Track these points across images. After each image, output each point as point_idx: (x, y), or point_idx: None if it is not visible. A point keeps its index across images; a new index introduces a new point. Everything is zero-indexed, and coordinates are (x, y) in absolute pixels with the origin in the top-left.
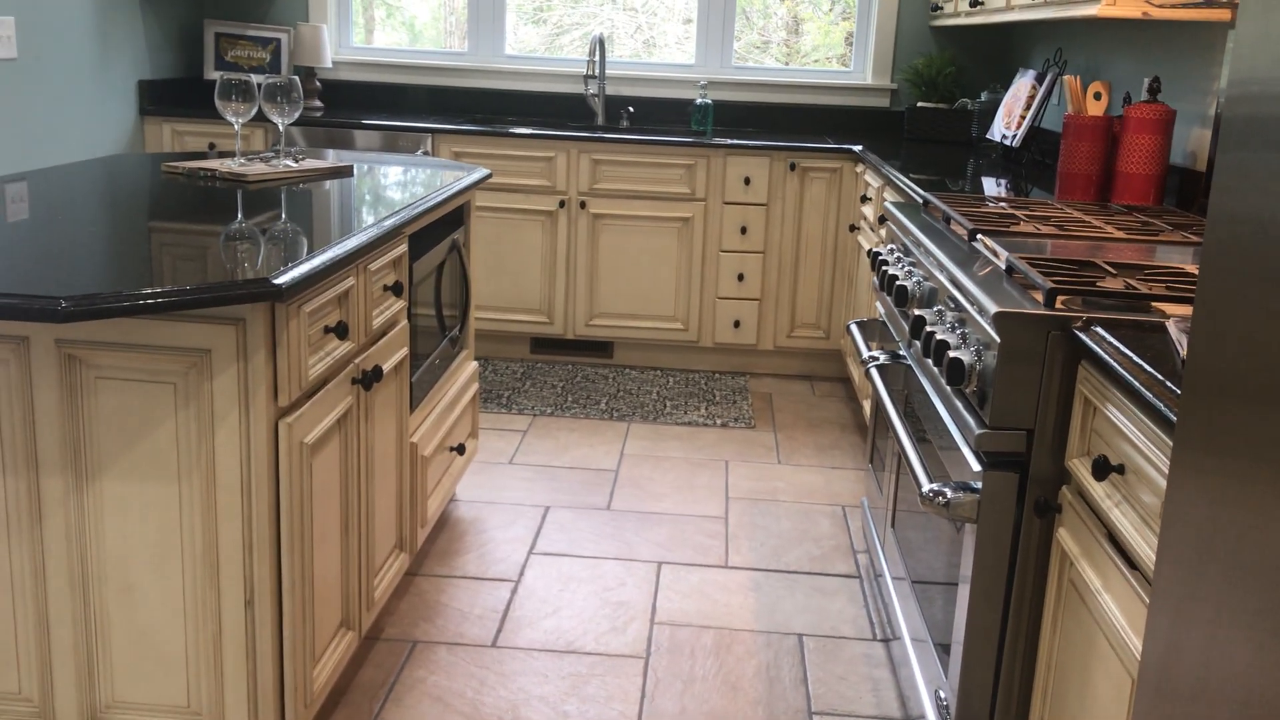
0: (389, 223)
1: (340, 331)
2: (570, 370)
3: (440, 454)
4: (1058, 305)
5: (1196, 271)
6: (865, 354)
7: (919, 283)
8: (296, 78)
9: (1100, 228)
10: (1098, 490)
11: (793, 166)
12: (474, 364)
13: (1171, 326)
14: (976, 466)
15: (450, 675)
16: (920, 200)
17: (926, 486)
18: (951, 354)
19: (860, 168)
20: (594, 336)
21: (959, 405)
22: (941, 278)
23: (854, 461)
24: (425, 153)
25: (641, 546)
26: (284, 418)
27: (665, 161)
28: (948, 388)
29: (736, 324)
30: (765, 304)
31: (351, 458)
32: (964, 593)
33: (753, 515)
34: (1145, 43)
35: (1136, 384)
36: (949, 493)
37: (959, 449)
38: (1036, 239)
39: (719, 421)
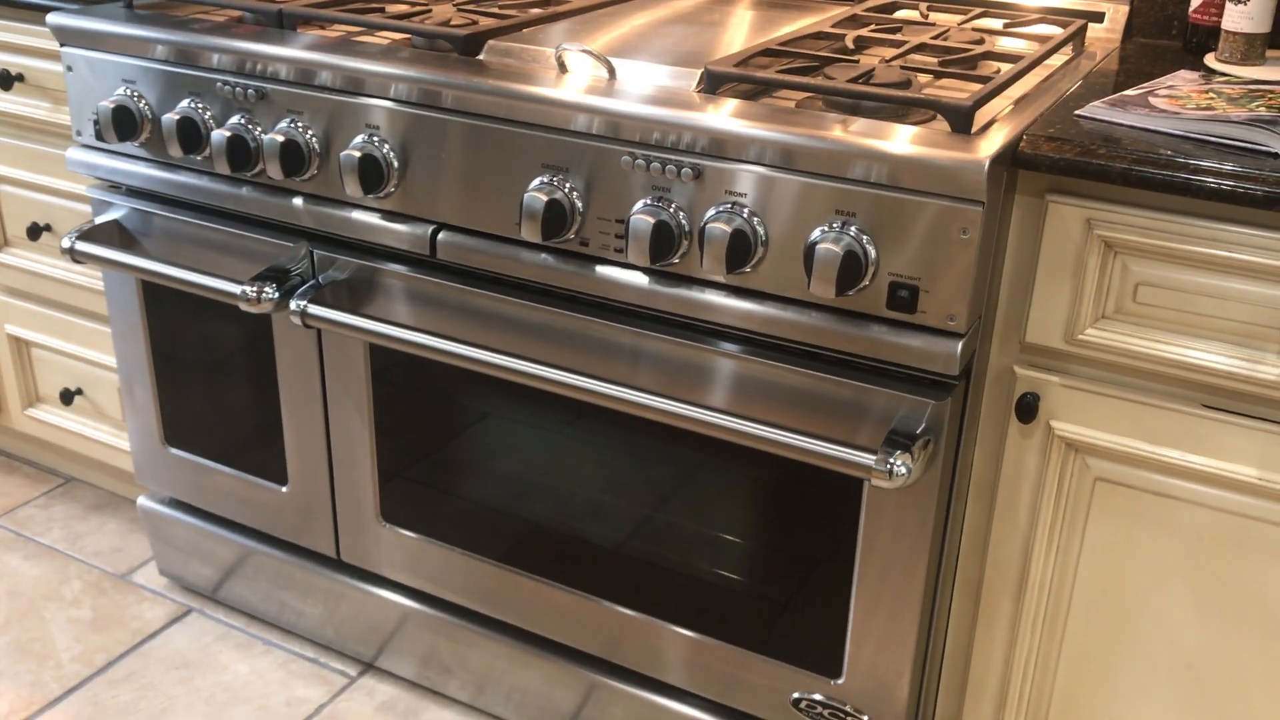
0: None
1: None
2: None
3: None
4: (983, 131)
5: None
6: (250, 291)
7: (377, 144)
8: None
9: None
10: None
11: None
12: None
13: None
14: (915, 396)
15: None
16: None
17: (878, 463)
18: (829, 246)
19: None
20: None
21: (818, 321)
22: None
23: None
24: None
25: None
26: None
27: None
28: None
29: None
30: None
31: None
32: (876, 562)
33: None
34: None
35: None
36: (903, 457)
37: (817, 381)
38: (531, 27)
39: None
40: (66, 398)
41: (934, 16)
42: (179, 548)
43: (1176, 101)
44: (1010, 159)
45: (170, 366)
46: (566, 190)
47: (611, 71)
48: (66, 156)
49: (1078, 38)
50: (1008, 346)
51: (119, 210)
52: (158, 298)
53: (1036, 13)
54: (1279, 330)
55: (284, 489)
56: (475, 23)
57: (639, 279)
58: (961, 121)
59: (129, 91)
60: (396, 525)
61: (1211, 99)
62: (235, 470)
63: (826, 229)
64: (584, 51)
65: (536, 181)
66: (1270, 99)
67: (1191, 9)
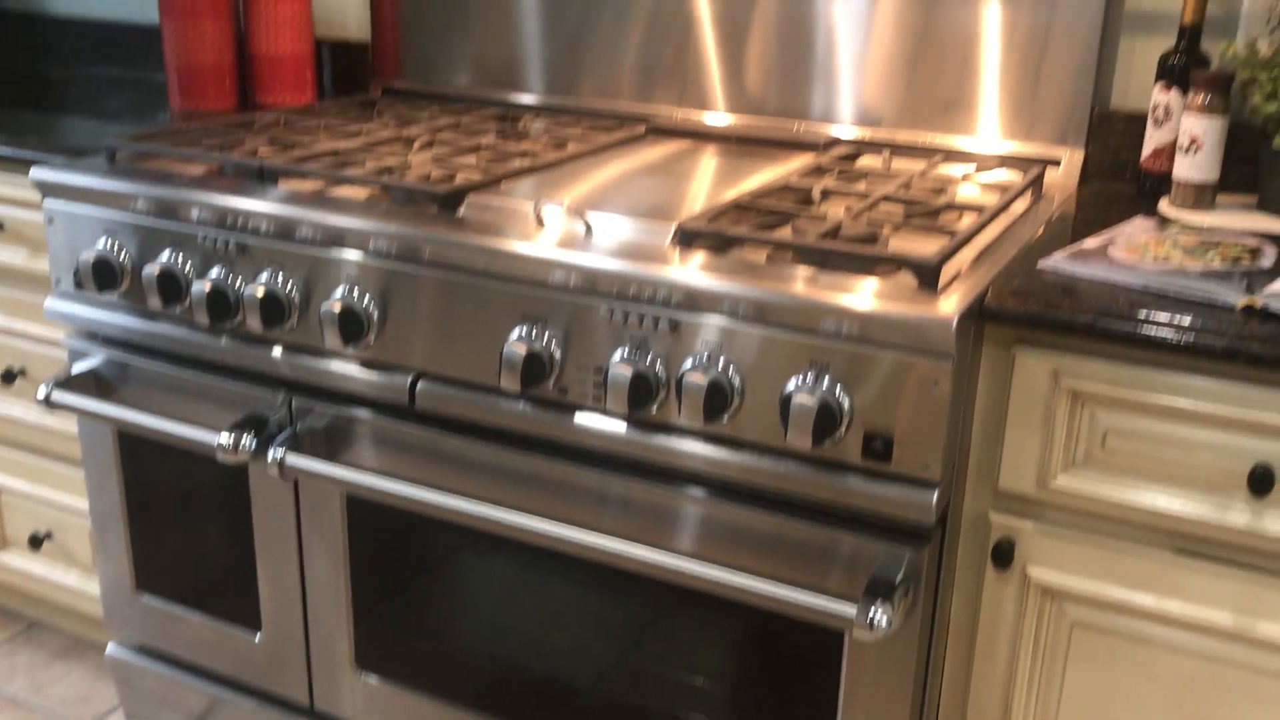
0: None
1: None
2: None
3: None
4: (950, 285)
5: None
6: (230, 440)
7: (357, 296)
8: None
9: (504, 146)
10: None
11: None
12: None
13: (1080, 266)
14: (892, 545)
15: None
16: (107, 151)
17: (859, 615)
18: (803, 398)
19: None
20: None
21: (794, 470)
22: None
23: None
24: None
25: None
26: None
27: None
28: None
29: None
30: None
31: None
32: (858, 709)
33: None
34: None
35: None
36: (883, 607)
37: (796, 529)
38: (509, 180)
39: None
40: (35, 542)
41: (896, 164)
42: (148, 696)
43: (1134, 252)
44: (977, 313)
45: (144, 512)
46: (545, 340)
47: (588, 227)
48: (45, 306)
49: (1036, 184)
50: (982, 493)
51: (96, 358)
52: (132, 444)
53: (994, 159)
54: (1244, 478)
55: (257, 636)
56: (453, 178)
57: (617, 427)
58: (929, 277)
59: (110, 243)
60: (372, 673)
61: (1168, 250)
62: (208, 617)
63: (801, 380)
64: (560, 207)
65: (516, 332)
66: (1224, 250)
67: (1143, 156)
